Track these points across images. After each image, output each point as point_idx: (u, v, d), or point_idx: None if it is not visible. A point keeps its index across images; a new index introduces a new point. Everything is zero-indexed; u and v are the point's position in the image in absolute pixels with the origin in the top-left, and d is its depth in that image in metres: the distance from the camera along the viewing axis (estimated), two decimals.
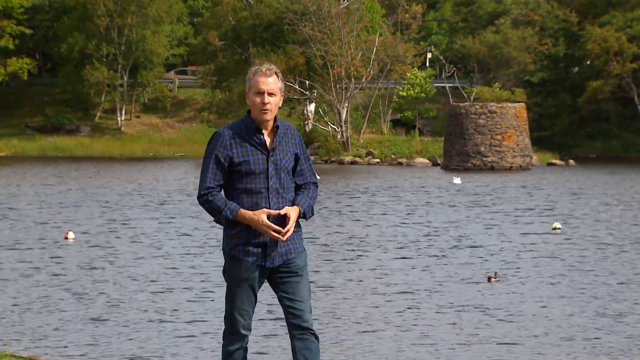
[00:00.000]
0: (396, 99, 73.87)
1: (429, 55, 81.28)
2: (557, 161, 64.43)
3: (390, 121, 73.68)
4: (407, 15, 72.33)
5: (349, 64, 66.58)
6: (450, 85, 73.37)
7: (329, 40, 66.59)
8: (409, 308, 14.40)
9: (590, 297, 15.26)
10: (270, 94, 6.46)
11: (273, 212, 6.43)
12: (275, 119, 6.55)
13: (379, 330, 12.91)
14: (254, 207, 6.44)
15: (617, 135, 75.01)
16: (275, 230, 6.40)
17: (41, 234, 23.42)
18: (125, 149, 72.92)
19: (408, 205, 32.24)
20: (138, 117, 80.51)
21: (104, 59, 77.10)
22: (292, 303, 6.55)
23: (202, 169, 6.52)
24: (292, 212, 6.47)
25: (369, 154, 65.40)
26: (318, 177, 6.16)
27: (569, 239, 23.20)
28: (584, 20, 76.68)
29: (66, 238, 22.44)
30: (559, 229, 25.03)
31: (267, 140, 6.51)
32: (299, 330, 6.57)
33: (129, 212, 29.08)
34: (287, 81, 64.27)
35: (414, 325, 13.24)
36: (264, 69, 6.51)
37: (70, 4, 78.59)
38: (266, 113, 6.45)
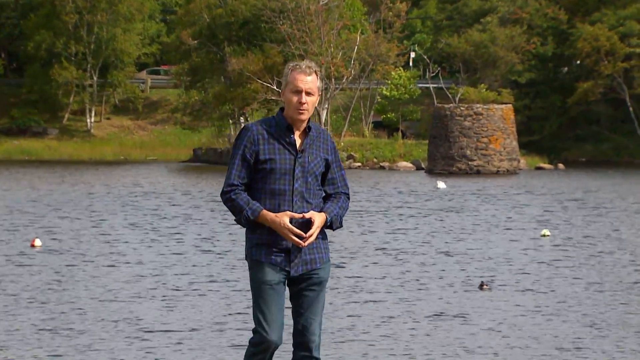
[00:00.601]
0: (379, 99, 73.42)
1: (412, 54, 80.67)
2: (546, 165, 64.08)
3: (372, 123, 73.29)
4: (391, 13, 72.01)
5: (329, 63, 66.04)
6: (435, 86, 73.12)
7: (308, 39, 66.18)
8: (390, 317, 13.92)
9: (581, 306, 14.69)
10: (308, 94, 6.41)
11: (297, 215, 6.32)
12: (308, 120, 6.49)
13: (359, 340, 12.33)
14: (277, 209, 6.35)
15: (608, 138, 75.01)
16: (296, 235, 6.28)
17: (6, 241, 22.90)
18: (95, 152, 72.64)
19: (389, 211, 31.87)
20: (108, 118, 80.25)
21: (73, 58, 76.54)
22: (302, 318, 6.40)
23: (229, 165, 6.44)
24: (318, 217, 6.35)
25: (349, 157, 64.70)
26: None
27: (558, 245, 22.79)
28: (574, 18, 77.05)
29: (32, 246, 21.90)
30: (548, 235, 24.50)
31: (298, 141, 6.42)
32: (303, 352, 6.43)
33: (98, 218, 28.96)
34: (264, 81, 63.31)
35: (398, 335, 12.68)
36: (303, 67, 6.46)
37: (37, 1, 78.30)
38: (302, 113, 6.40)
